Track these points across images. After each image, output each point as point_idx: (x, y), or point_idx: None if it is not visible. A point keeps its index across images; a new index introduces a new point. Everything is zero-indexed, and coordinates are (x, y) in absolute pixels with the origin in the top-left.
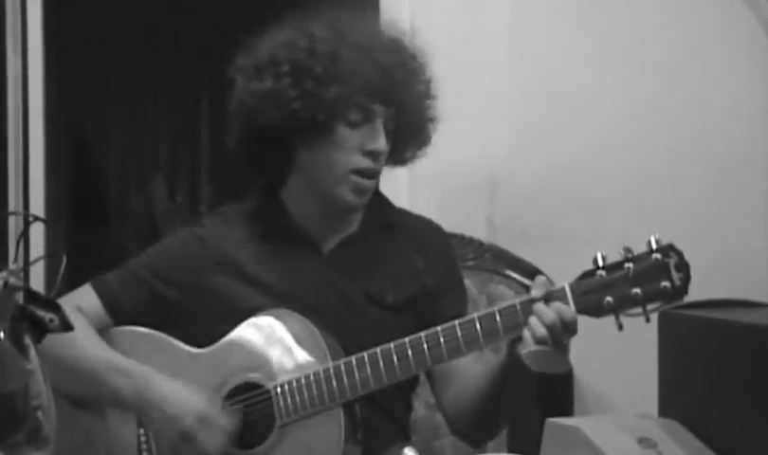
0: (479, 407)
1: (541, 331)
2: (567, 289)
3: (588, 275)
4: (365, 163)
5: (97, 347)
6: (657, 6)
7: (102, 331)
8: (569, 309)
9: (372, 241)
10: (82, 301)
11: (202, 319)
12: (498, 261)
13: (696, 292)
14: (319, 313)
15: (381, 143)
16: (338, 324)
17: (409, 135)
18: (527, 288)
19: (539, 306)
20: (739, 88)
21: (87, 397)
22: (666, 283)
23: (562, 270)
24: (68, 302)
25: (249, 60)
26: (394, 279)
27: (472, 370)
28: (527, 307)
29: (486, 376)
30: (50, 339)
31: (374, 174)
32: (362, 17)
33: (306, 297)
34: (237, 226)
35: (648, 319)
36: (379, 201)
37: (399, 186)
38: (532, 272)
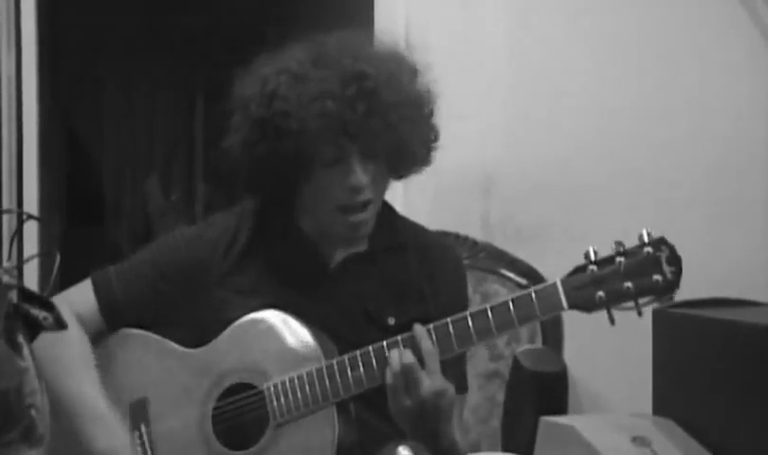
0: None
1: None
2: (558, 285)
3: (579, 270)
4: (348, 199)
5: (75, 371)
6: (654, 6)
7: (99, 333)
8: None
9: (380, 260)
10: (78, 300)
11: (199, 321)
12: (492, 260)
13: (692, 291)
14: (316, 326)
15: (357, 179)
16: (335, 340)
17: (400, 154)
18: (522, 287)
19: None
20: (736, 88)
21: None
22: (657, 277)
23: (557, 269)
24: (64, 302)
25: (236, 101)
26: (398, 301)
27: None
28: (521, 304)
29: None
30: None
31: (362, 207)
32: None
33: (306, 309)
34: (246, 229)
35: (640, 314)
36: (392, 218)
37: (394, 185)
38: (526, 271)
